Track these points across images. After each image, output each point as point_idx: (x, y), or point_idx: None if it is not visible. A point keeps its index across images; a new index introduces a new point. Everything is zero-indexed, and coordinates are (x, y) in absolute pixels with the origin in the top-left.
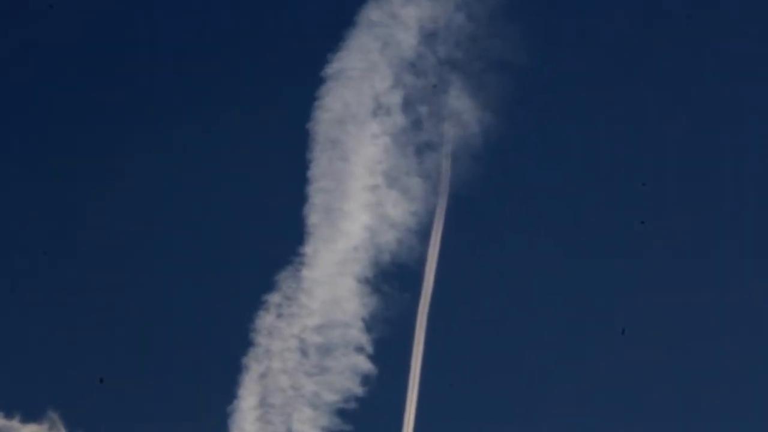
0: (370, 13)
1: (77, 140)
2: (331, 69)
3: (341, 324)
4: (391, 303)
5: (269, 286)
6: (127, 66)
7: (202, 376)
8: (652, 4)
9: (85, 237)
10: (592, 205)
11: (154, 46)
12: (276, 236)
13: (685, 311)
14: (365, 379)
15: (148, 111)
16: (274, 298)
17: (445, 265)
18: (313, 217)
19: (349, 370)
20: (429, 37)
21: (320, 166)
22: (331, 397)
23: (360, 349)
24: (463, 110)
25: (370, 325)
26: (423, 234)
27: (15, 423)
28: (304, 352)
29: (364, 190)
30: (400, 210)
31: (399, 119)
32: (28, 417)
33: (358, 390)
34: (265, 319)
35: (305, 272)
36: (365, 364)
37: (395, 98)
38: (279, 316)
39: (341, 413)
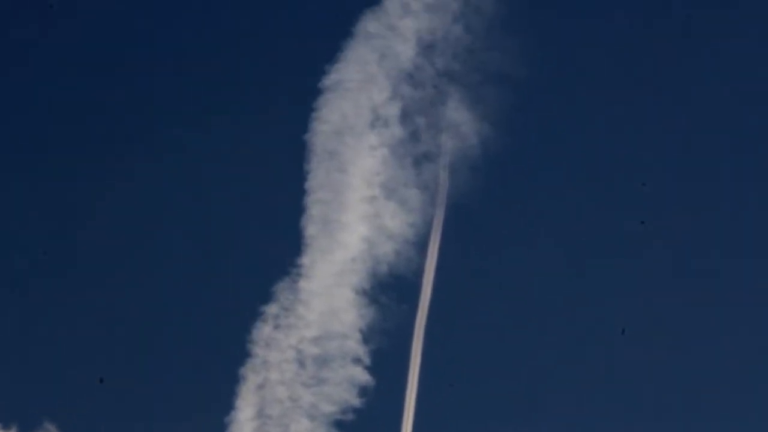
0: (368, 25)
1: (77, 141)
2: (328, 80)
3: (339, 335)
4: (388, 314)
5: (267, 297)
6: (126, 66)
7: (199, 386)
8: (651, 15)
9: (84, 243)
10: (591, 216)
11: (153, 51)
12: (273, 247)
13: (685, 311)
14: (363, 391)
15: (146, 118)
16: (271, 309)
17: (443, 277)
18: (311, 228)
19: (346, 381)
20: (427, 48)
21: (318, 177)
22: (329, 409)
23: (357, 361)
24: (461, 122)
25: (367, 336)
26: (421, 245)
27: None
28: (301, 363)
29: (362, 202)
30: (397, 221)
31: (397, 131)
32: (26, 428)
33: (356, 401)
34: (263, 330)
35: (303, 283)
36: (363, 376)
37: (393, 110)
38: (276, 327)
39: (339, 424)
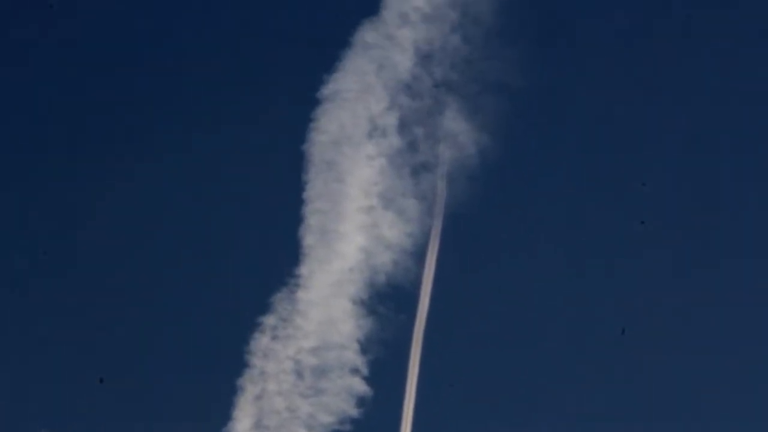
0: (366, 35)
1: (76, 141)
2: (326, 90)
3: (336, 346)
4: (386, 324)
5: (264, 308)
6: (126, 66)
7: (197, 397)
8: (649, 23)
9: (83, 250)
10: (590, 225)
11: (153, 53)
12: (271, 257)
13: (685, 311)
14: (360, 401)
15: (145, 122)
16: (269, 319)
17: (441, 287)
18: (309, 238)
19: (344, 391)
20: (425, 58)
21: (316, 187)
22: (327, 419)
23: (355, 371)
24: (458, 132)
25: (365, 346)
26: (418, 255)
27: None
28: (299, 374)
29: (360, 212)
30: (395, 231)
31: (395, 141)
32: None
33: (354, 412)
34: (261, 341)
35: (300, 294)
36: (360, 386)
37: (391, 120)
38: (274, 337)
39: None
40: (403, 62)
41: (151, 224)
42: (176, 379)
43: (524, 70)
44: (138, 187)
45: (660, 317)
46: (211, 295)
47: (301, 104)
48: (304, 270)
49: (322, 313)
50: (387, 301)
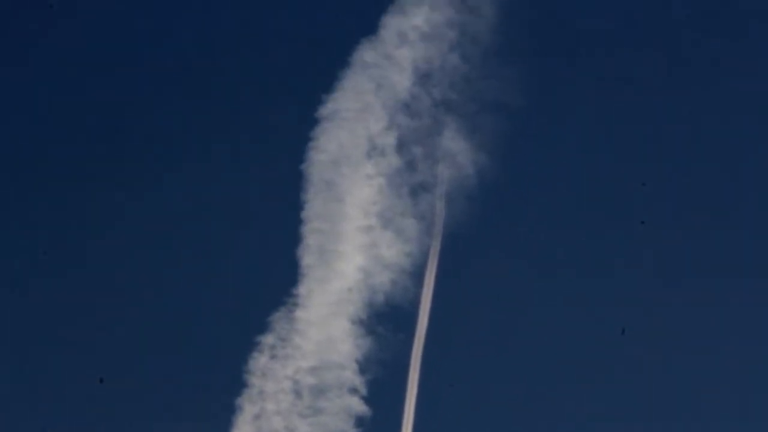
0: (365, 54)
1: (76, 141)
2: (325, 110)
3: (335, 365)
4: (385, 344)
5: (263, 327)
6: (128, 72)
7: (196, 416)
8: (647, 45)
9: (81, 266)
10: (588, 244)
11: (154, 57)
12: (270, 277)
13: (685, 311)
14: (359, 421)
15: (145, 142)
16: (267, 339)
17: (439, 307)
18: (307, 258)
19: (343, 411)
20: (423, 78)
21: (314, 206)
22: None
23: (354, 391)
24: (457, 151)
25: (364, 366)
26: (417, 275)
27: None
28: (298, 394)
29: (359, 231)
30: (394, 251)
31: (393, 160)
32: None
33: None
34: (259, 360)
35: (299, 313)
36: (359, 406)
37: (390, 139)
38: (273, 357)
39: None
40: (402, 82)
41: (150, 244)
42: (175, 398)
43: (522, 89)
44: (138, 206)
45: (660, 317)
46: (209, 314)
47: (300, 124)
48: (302, 289)
49: (320, 333)
50: (386, 321)
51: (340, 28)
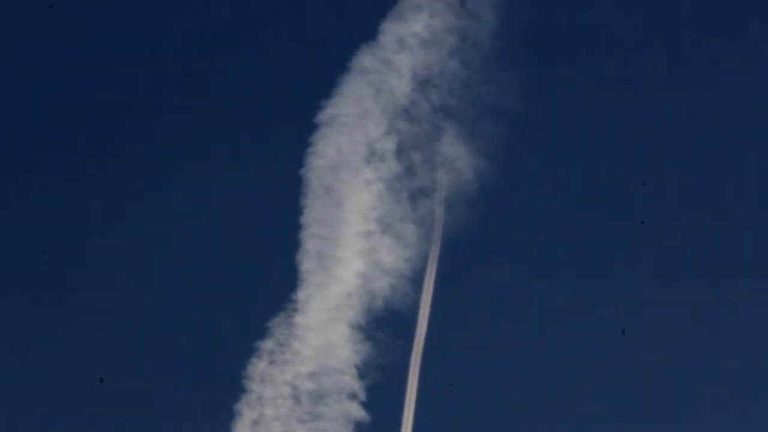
0: (364, 60)
1: (75, 141)
2: (324, 115)
3: (334, 371)
4: (384, 350)
5: (262, 333)
6: (127, 67)
7: (194, 421)
8: (647, 50)
9: (79, 277)
10: (589, 250)
11: (154, 60)
12: (269, 282)
13: (685, 311)
14: (358, 426)
15: (144, 143)
16: (266, 344)
17: (439, 312)
18: (307, 263)
19: (342, 417)
20: (423, 83)
21: (313, 212)
22: None
23: (353, 396)
24: (456, 157)
25: (363, 371)
26: (416, 280)
27: None
28: (296, 399)
29: (358, 237)
30: (393, 256)
31: (393, 165)
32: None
33: None
34: (258, 366)
35: (298, 318)
36: (358, 411)
37: (389, 145)
38: (272, 362)
39: None
40: (401, 87)
41: (149, 248)
42: (174, 403)
43: (522, 95)
44: (137, 207)
45: (660, 317)
46: (208, 320)
47: (299, 129)
48: (301, 295)
49: (319, 339)
50: (385, 327)
51: (339, 34)
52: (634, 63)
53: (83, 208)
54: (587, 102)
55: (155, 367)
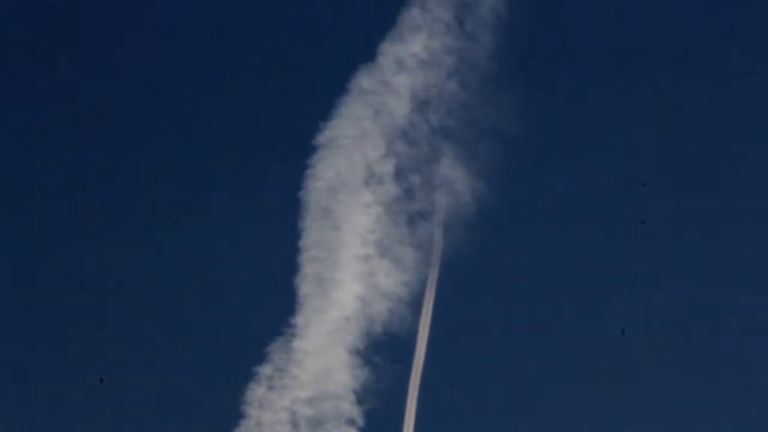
0: (362, 81)
1: (76, 141)
2: (322, 137)
3: (332, 396)
4: (382, 374)
5: (260, 358)
6: (127, 71)
7: None
8: (645, 69)
9: (78, 300)
10: (589, 273)
11: (152, 92)
12: (267, 307)
13: (685, 311)
14: None
15: (141, 165)
16: (265, 369)
17: (437, 336)
18: (305, 287)
19: None
20: (421, 105)
21: (312, 235)
22: None
23: (351, 422)
24: (455, 179)
25: (361, 396)
26: (415, 304)
27: None
28: (295, 425)
29: (356, 260)
30: (392, 280)
31: (391, 188)
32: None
33: None
34: (257, 391)
35: (296, 343)
36: None
37: (387, 167)
38: (270, 387)
39: None
40: (400, 109)
41: (146, 272)
42: (173, 429)
43: (520, 116)
44: (131, 238)
45: (660, 317)
46: (206, 345)
47: (297, 151)
48: (300, 319)
49: (318, 363)
50: (383, 351)
51: (338, 55)
52: (633, 84)
53: (84, 216)
54: (585, 124)
55: (155, 393)
